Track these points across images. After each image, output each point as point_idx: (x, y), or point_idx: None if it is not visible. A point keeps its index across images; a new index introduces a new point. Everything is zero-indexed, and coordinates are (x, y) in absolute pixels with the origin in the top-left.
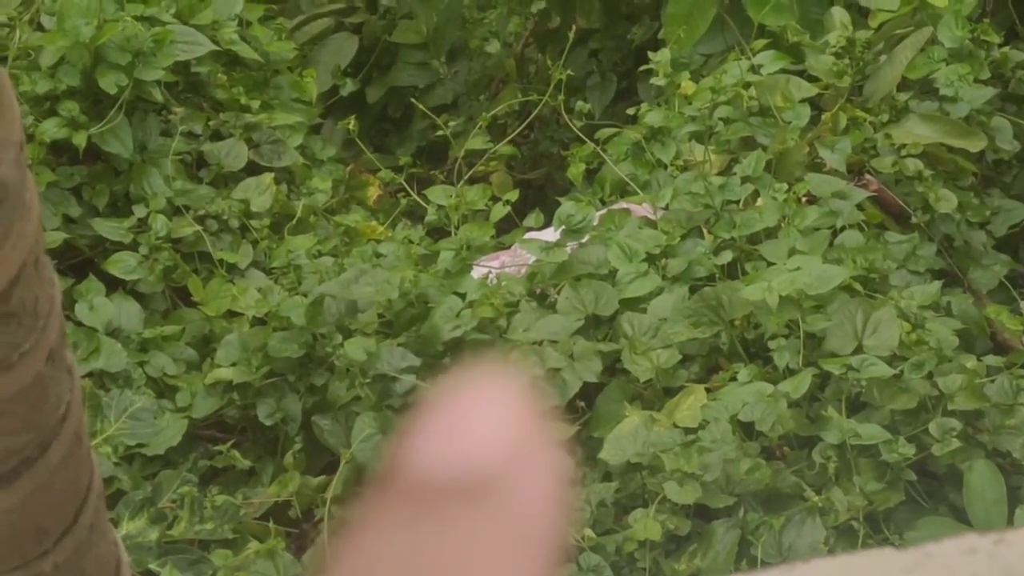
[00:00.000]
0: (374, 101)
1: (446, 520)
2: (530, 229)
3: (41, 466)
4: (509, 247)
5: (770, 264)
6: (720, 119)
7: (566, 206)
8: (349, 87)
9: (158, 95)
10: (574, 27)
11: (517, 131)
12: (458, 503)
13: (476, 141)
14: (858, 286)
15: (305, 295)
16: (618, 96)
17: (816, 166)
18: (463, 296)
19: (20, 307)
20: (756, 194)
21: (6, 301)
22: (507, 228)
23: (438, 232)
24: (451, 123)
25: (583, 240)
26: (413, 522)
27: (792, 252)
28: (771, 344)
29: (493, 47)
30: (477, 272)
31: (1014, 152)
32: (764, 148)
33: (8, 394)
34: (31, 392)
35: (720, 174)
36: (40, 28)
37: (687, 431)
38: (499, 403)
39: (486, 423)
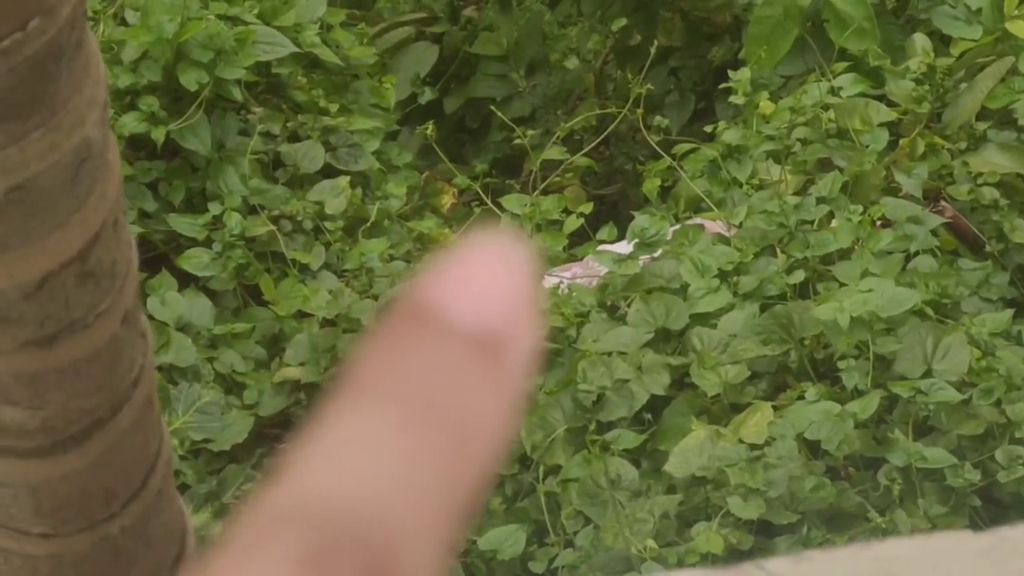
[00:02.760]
0: (452, 111)
1: (455, 357)
2: (603, 242)
3: (112, 428)
4: (581, 260)
5: (842, 285)
6: (798, 139)
7: (640, 219)
8: (428, 96)
9: (238, 94)
10: (655, 44)
11: (592, 145)
12: (466, 346)
13: (552, 152)
14: (929, 311)
15: (376, 298)
16: (695, 116)
17: (892, 190)
18: None
19: (98, 267)
20: (831, 215)
21: (85, 261)
22: (579, 242)
23: None
24: (529, 133)
25: (656, 254)
26: (426, 349)
27: (865, 274)
28: (840, 364)
29: (572, 62)
30: (548, 281)
31: None
32: (841, 170)
33: (83, 354)
34: (105, 353)
35: (795, 194)
36: (123, 23)
37: (753, 447)
38: (507, 263)
39: (496, 281)
